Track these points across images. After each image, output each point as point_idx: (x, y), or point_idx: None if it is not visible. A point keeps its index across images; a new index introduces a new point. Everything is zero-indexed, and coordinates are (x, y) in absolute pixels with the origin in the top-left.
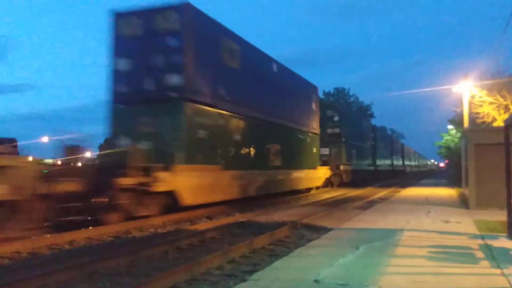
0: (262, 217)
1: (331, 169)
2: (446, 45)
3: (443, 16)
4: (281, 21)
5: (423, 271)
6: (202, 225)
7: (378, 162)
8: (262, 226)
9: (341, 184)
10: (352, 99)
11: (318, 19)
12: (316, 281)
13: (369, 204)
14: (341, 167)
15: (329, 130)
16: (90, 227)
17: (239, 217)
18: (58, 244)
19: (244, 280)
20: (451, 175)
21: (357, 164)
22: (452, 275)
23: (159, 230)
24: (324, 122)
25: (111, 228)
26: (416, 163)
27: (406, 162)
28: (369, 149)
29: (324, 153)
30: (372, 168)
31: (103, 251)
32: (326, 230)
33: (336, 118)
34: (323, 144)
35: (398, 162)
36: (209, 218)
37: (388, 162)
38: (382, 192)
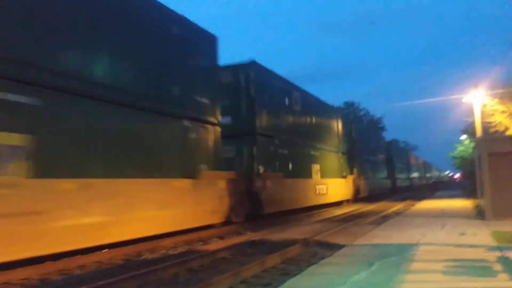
0: (274, 235)
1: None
2: (456, 55)
3: (451, 27)
4: (289, 38)
5: (440, 286)
6: (213, 245)
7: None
8: (274, 244)
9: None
10: (362, 112)
11: (326, 34)
12: None
13: (383, 219)
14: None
15: None
16: (105, 250)
17: (250, 236)
18: (69, 269)
19: None
20: (467, 186)
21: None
22: None
23: (171, 252)
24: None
25: (122, 251)
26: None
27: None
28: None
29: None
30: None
31: (112, 275)
32: (339, 247)
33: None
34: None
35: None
36: (221, 237)
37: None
38: (396, 206)
